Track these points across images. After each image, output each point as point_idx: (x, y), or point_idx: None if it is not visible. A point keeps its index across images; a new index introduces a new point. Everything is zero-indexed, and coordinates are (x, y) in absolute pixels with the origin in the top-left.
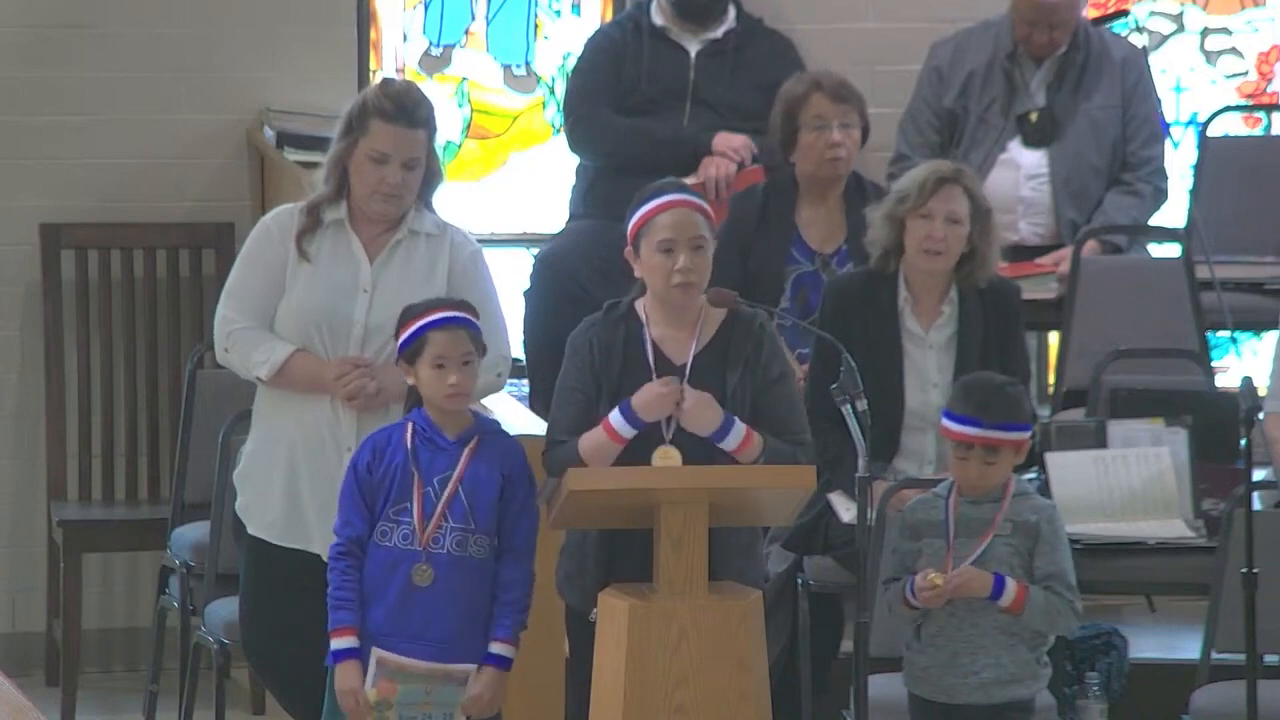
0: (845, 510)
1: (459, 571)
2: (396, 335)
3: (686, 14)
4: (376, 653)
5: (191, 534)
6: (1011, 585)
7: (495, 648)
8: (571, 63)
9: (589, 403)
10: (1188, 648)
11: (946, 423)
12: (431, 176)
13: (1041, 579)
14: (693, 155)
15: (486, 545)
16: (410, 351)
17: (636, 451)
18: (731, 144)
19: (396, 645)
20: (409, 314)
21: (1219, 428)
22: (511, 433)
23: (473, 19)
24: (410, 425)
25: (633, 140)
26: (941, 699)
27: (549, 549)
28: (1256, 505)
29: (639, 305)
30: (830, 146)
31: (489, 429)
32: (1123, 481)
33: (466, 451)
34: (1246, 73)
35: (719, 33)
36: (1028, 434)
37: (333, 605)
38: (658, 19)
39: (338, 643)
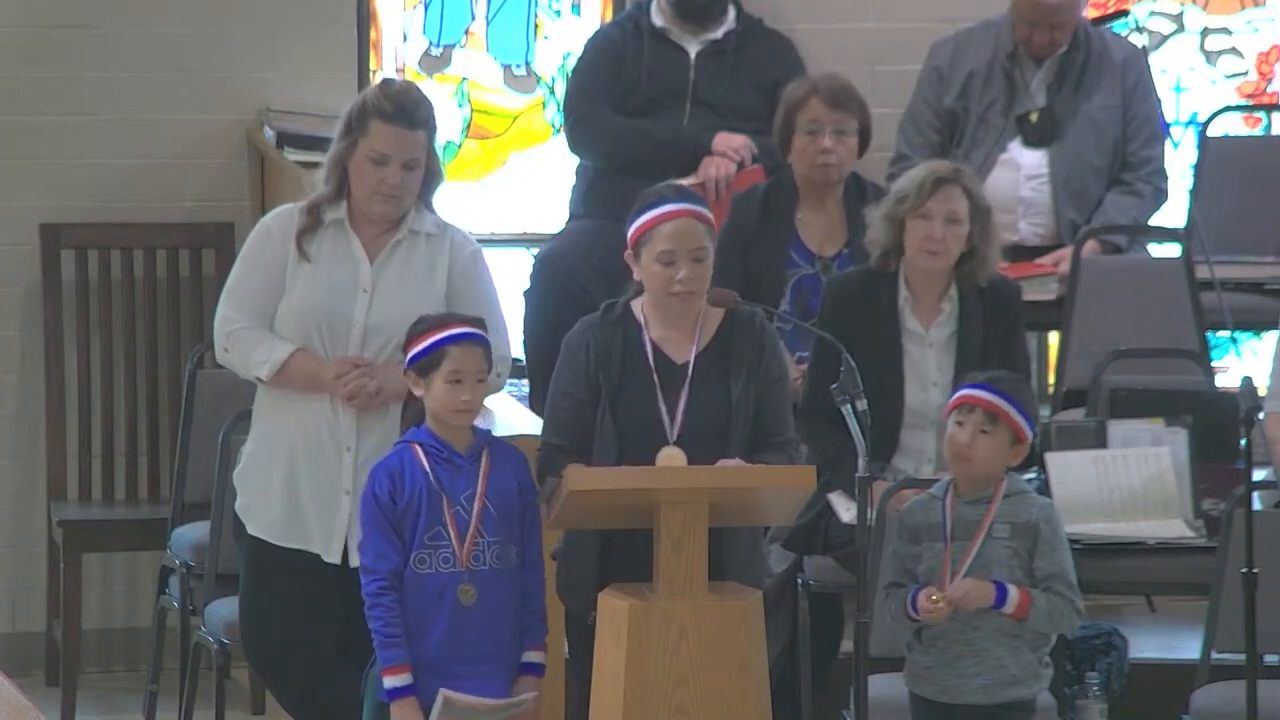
0: (845, 510)
1: (500, 584)
2: (407, 345)
3: (686, 14)
4: (445, 693)
5: (191, 534)
6: (1014, 593)
7: (533, 656)
8: (571, 63)
9: (582, 407)
10: (1188, 648)
11: (956, 395)
12: (431, 177)
13: (1043, 579)
14: (693, 155)
15: (515, 554)
16: (425, 364)
17: (640, 452)
18: (731, 144)
19: (457, 668)
20: (424, 325)
21: (1219, 428)
22: (512, 432)
23: (473, 19)
24: (419, 447)
25: (633, 140)
26: (944, 699)
27: (546, 550)
28: (1256, 505)
29: (636, 306)
30: (821, 152)
31: (493, 439)
32: (1123, 481)
33: (484, 464)
34: (1246, 73)
35: (719, 33)
36: (1029, 428)
37: (381, 644)
38: (657, 20)
39: (392, 680)
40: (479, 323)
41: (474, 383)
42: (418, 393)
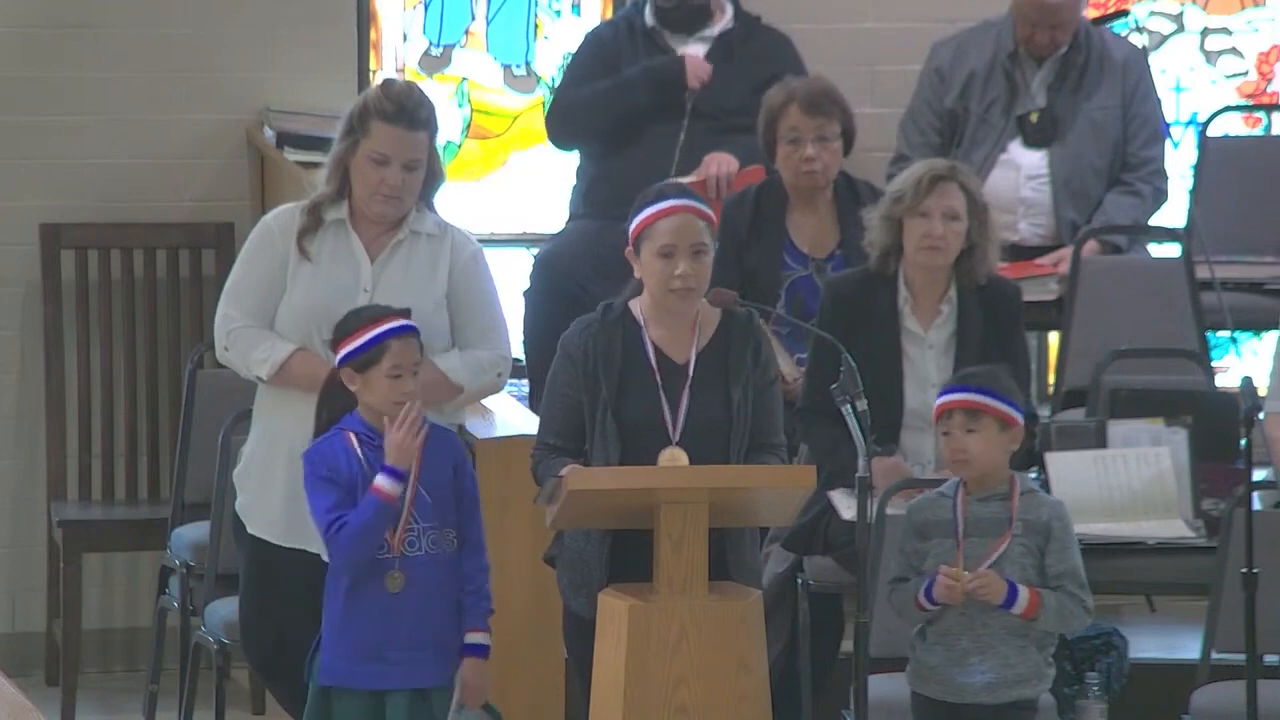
0: (846, 508)
1: (437, 569)
2: (340, 342)
3: (668, 25)
4: None
5: (191, 534)
6: (1024, 594)
7: (475, 638)
8: None
9: (580, 407)
10: (1188, 648)
11: (936, 405)
12: (433, 177)
13: (1054, 577)
14: (675, 80)
15: (453, 539)
16: (364, 360)
17: (642, 453)
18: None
19: (391, 653)
20: (357, 321)
21: (1219, 428)
22: (511, 432)
23: (473, 19)
24: (352, 435)
25: (602, 100)
26: (949, 699)
27: (540, 546)
28: (1256, 505)
29: (635, 307)
30: (805, 161)
31: (428, 425)
32: (1123, 481)
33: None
34: (1246, 73)
35: (714, 31)
36: (1015, 411)
37: (366, 513)
38: (651, 20)
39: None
40: (408, 313)
41: (411, 374)
42: (353, 388)
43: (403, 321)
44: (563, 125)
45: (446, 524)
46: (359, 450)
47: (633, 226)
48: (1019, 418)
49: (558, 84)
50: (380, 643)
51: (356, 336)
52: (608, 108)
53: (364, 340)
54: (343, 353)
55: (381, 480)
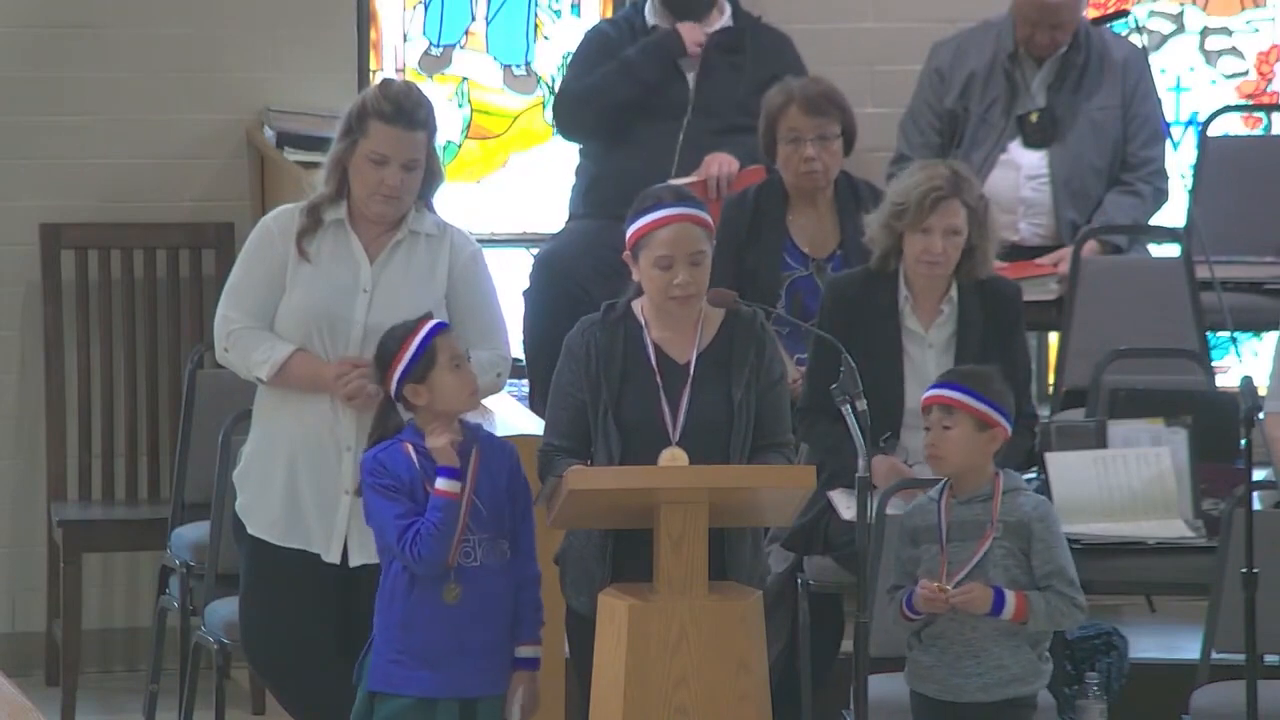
0: (845, 509)
1: (493, 579)
2: (390, 365)
3: (677, 12)
4: None
5: (191, 534)
6: (1011, 599)
7: (527, 651)
8: None
9: (583, 407)
10: (1188, 648)
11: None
12: (431, 177)
13: (1042, 578)
14: (672, 57)
15: (506, 548)
16: (421, 366)
17: (642, 453)
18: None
19: (446, 661)
20: (393, 342)
21: (1219, 428)
22: (512, 432)
23: (473, 19)
24: (409, 446)
25: (607, 85)
26: (946, 698)
27: (547, 549)
28: (1256, 505)
29: (636, 307)
30: (805, 161)
31: (482, 434)
32: (1123, 481)
33: (473, 461)
34: (1246, 73)
35: (713, 30)
36: (994, 412)
37: (434, 513)
38: (651, 19)
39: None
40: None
41: (466, 362)
42: (420, 402)
43: (436, 320)
44: (572, 114)
45: (501, 533)
46: (416, 460)
47: (630, 232)
48: (999, 418)
49: (562, 78)
50: (432, 651)
51: (403, 351)
52: (614, 89)
53: (414, 350)
54: (399, 371)
55: (440, 482)
